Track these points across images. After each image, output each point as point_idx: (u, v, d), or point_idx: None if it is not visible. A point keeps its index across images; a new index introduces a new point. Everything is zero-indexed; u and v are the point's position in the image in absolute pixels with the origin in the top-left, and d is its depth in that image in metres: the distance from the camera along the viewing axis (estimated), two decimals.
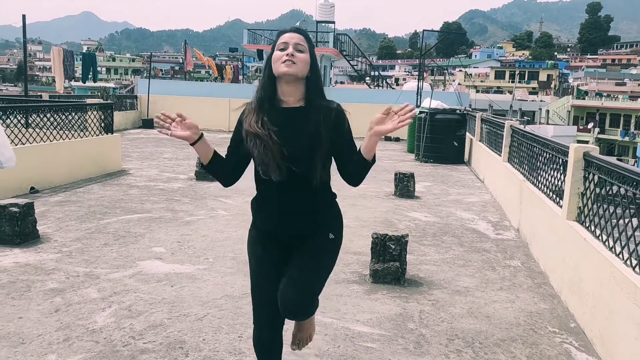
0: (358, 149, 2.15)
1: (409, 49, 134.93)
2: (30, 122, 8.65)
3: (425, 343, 3.37)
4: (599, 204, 3.80)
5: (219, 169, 2.26)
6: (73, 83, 28.15)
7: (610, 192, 3.62)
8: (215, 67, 29.10)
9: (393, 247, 4.31)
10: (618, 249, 3.38)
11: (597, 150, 4.14)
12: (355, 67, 27.39)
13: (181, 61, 38.76)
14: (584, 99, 53.30)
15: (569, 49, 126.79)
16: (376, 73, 32.54)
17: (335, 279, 4.34)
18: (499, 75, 74.07)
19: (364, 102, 16.83)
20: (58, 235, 5.37)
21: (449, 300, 4.10)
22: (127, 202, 7.00)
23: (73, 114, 8.51)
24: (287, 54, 2.14)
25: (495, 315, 3.87)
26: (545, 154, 5.50)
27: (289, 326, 2.47)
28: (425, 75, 22.97)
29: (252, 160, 2.26)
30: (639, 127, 47.04)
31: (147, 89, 18.66)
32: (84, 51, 28.89)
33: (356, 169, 2.18)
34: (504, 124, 8.16)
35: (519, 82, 65.22)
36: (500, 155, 8.35)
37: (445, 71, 56.34)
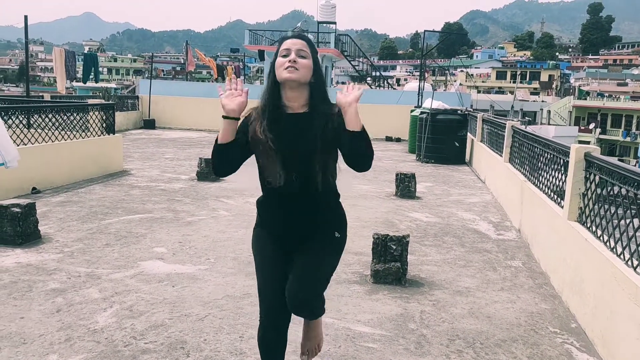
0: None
1: (410, 50, 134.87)
2: (32, 122, 8.67)
3: (426, 343, 3.38)
4: (600, 205, 3.80)
5: (227, 154, 2.23)
6: (74, 83, 28.15)
7: (611, 193, 3.62)
8: (216, 68, 29.09)
9: (394, 247, 4.31)
10: (619, 249, 3.38)
11: (599, 151, 4.14)
12: (356, 67, 27.38)
13: (182, 62, 38.77)
14: (585, 99, 53.25)
15: (570, 50, 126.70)
16: (377, 73, 32.54)
17: (337, 279, 4.34)
18: (500, 75, 74.05)
19: (366, 102, 16.74)
20: (60, 236, 5.38)
21: (450, 301, 4.10)
22: (129, 202, 7.01)
23: (75, 115, 8.52)
24: (290, 61, 2.17)
25: (496, 315, 3.87)
26: (546, 155, 5.50)
27: (293, 329, 2.48)
28: (426, 75, 22.97)
29: (256, 163, 2.31)
30: None
31: (148, 89, 18.67)
32: (85, 52, 28.92)
33: (351, 147, 2.18)
34: (505, 124, 8.15)
35: (521, 82, 65.18)
36: (501, 156, 8.35)
37: (447, 72, 56.32)
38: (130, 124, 17.93)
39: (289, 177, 2.20)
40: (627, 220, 3.30)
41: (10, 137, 6.28)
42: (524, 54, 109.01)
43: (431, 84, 21.44)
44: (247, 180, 8.71)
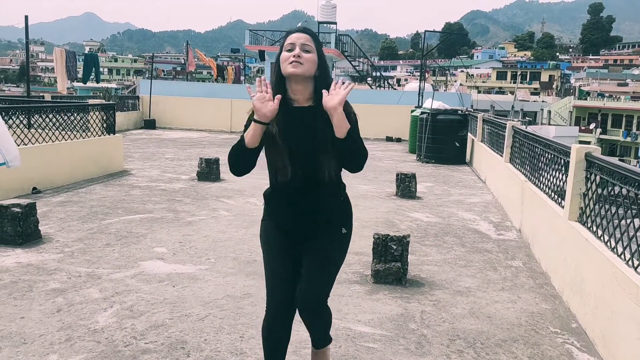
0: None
1: (411, 50, 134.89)
2: (32, 122, 8.67)
3: (427, 343, 3.37)
4: (600, 205, 3.80)
5: (251, 157, 2.26)
6: (75, 84, 28.16)
7: (612, 193, 3.62)
8: (216, 68, 29.08)
9: (394, 247, 4.31)
10: (620, 249, 3.38)
11: (599, 151, 4.14)
12: (357, 67, 27.37)
13: (183, 62, 38.77)
14: (585, 99, 53.22)
15: (570, 50, 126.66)
16: (378, 74, 32.54)
17: (337, 279, 4.32)
18: (501, 75, 74.05)
19: (366, 102, 16.82)
20: (60, 236, 5.38)
21: (450, 301, 4.10)
22: (129, 202, 7.01)
23: (75, 115, 8.52)
24: (294, 55, 2.20)
25: (496, 315, 3.87)
26: (547, 155, 5.50)
27: (293, 329, 2.48)
28: (427, 75, 22.96)
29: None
30: None
31: (149, 89, 18.67)
32: (86, 52, 28.93)
33: (340, 152, 2.23)
34: (506, 124, 8.15)
35: (521, 82, 65.12)
36: (501, 156, 8.34)
37: (447, 72, 56.32)
38: (131, 124, 17.94)
39: (296, 170, 2.24)
40: (628, 220, 3.30)
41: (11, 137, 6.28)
42: (525, 54, 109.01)
43: (432, 84, 21.39)
44: (247, 180, 8.71)
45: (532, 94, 62.28)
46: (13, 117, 7.87)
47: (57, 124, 8.06)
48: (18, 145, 6.80)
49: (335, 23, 25.18)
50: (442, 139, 12.24)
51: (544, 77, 70.62)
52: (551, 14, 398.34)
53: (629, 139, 46.81)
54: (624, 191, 3.39)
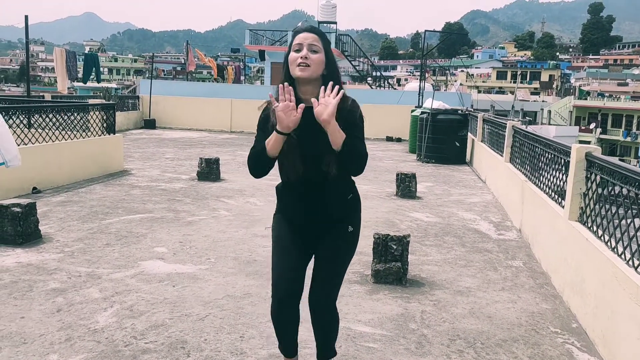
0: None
1: (411, 50, 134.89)
2: (32, 122, 8.67)
3: (427, 343, 3.37)
4: (601, 205, 3.79)
5: (269, 164, 2.32)
6: (75, 83, 28.16)
7: (612, 193, 3.61)
8: (216, 68, 29.09)
9: (395, 247, 4.31)
10: (620, 249, 3.38)
11: (599, 151, 4.13)
12: (357, 67, 27.38)
13: (183, 62, 38.75)
14: (586, 99, 53.22)
15: (570, 50, 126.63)
16: (378, 73, 32.54)
17: None
18: (501, 75, 74.03)
19: (366, 102, 16.74)
20: (60, 236, 5.38)
21: (450, 301, 4.09)
22: (129, 202, 7.01)
23: (75, 115, 8.52)
24: (301, 57, 2.22)
25: (497, 315, 3.87)
26: (547, 155, 5.49)
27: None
28: (427, 75, 22.95)
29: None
30: None
31: (149, 89, 18.67)
32: (86, 52, 28.93)
33: (339, 159, 2.25)
34: (506, 124, 8.15)
35: (521, 82, 65.11)
36: (502, 156, 8.34)
37: (447, 72, 56.29)
38: (131, 124, 17.94)
39: (305, 169, 2.29)
40: (628, 220, 3.30)
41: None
42: (525, 54, 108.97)
43: (432, 84, 21.37)
44: (247, 180, 8.66)
45: (532, 93, 62.27)
46: (13, 117, 7.86)
47: (57, 123, 8.05)
48: (18, 145, 6.81)
49: (335, 23, 25.20)
50: (442, 139, 12.24)
51: (544, 76, 70.59)
52: (551, 13, 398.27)
53: (629, 139, 46.80)
54: (624, 191, 3.39)
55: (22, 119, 8.55)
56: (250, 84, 38.58)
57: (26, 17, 11.66)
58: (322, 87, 2.19)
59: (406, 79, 69.87)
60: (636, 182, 3.22)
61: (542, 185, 5.59)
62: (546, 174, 5.43)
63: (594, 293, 3.55)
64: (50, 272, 4.35)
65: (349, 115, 2.26)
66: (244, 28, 28.99)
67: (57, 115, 8.08)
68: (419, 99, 17.40)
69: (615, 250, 3.43)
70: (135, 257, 4.80)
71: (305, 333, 2.95)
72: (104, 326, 3.42)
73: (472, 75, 69.38)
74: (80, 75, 18.53)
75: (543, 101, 53.50)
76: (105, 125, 9.07)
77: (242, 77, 34.71)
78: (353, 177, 2.46)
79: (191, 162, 10.58)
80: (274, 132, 2.20)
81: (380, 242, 4.34)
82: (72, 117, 8.43)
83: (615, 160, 3.84)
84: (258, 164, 2.32)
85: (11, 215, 4.96)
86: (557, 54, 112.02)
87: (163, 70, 74.34)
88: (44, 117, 7.88)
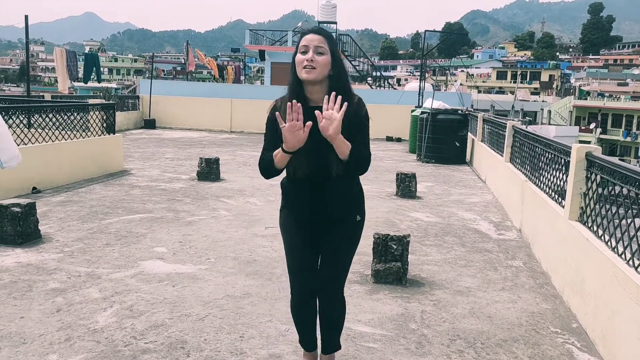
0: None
1: (411, 50, 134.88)
2: (32, 122, 8.66)
3: (427, 343, 3.37)
4: (601, 204, 3.79)
5: (278, 173, 2.42)
6: (75, 83, 28.17)
7: (612, 192, 3.61)
8: (216, 68, 29.09)
9: (395, 247, 4.31)
10: (620, 249, 3.37)
11: (600, 151, 4.13)
12: (357, 67, 27.36)
13: (183, 62, 38.77)
14: (586, 99, 53.21)
15: (570, 50, 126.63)
16: (378, 73, 32.52)
17: None
18: (501, 75, 74.04)
19: (366, 102, 16.69)
20: (60, 235, 5.37)
21: (450, 301, 4.09)
22: (129, 202, 7.01)
23: (75, 115, 8.52)
24: (307, 60, 2.27)
25: (497, 315, 3.86)
26: (547, 154, 5.49)
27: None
28: (427, 75, 22.94)
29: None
30: None
31: (149, 89, 18.66)
32: (86, 52, 28.93)
33: (345, 164, 2.33)
34: (506, 124, 8.15)
35: (521, 82, 65.12)
36: (502, 156, 8.34)
37: (447, 72, 56.30)
38: (131, 124, 17.93)
39: (311, 166, 2.34)
40: (629, 220, 3.29)
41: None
42: (525, 54, 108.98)
43: (432, 84, 21.36)
44: (247, 180, 8.66)
45: (532, 93, 62.28)
46: (13, 117, 7.86)
47: (57, 123, 8.05)
48: (18, 145, 6.81)
49: (335, 23, 25.17)
50: (442, 139, 12.23)
51: (544, 76, 70.60)
52: (551, 13, 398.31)
53: (629, 139, 46.80)
54: (625, 191, 3.38)
55: (22, 118, 8.55)
56: (250, 84, 38.58)
57: (26, 17, 11.66)
58: (325, 98, 2.21)
59: (406, 79, 69.88)
60: (636, 182, 3.22)
61: (542, 185, 5.58)
62: (546, 173, 5.43)
63: (594, 293, 3.55)
64: (50, 272, 4.35)
65: (355, 114, 2.33)
66: (244, 28, 28.98)
67: (57, 115, 8.08)
68: (419, 99, 17.40)
69: (615, 250, 3.43)
70: (135, 257, 4.80)
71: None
72: (103, 326, 3.41)
73: (472, 75, 69.39)
74: (80, 75, 18.55)
75: (543, 101, 53.51)
76: (105, 125, 9.07)
77: (242, 77, 34.71)
78: None
79: (191, 162, 10.57)
80: (281, 149, 2.26)
81: (380, 242, 4.34)
82: (72, 117, 8.42)
83: (615, 160, 3.83)
84: (267, 171, 2.42)
85: (11, 215, 4.96)
86: (557, 54, 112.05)
87: (163, 70, 74.33)
88: (43, 117, 7.88)
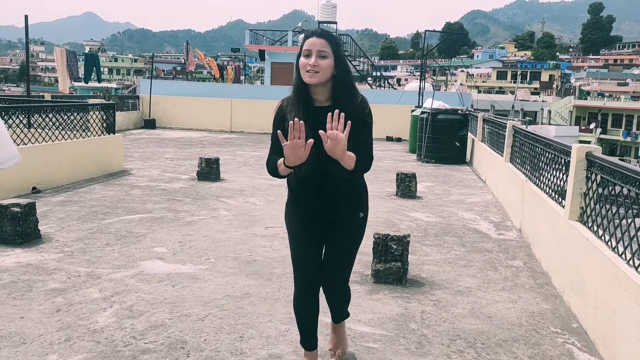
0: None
1: (411, 50, 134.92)
2: (32, 122, 8.66)
3: (427, 343, 3.37)
4: (601, 204, 3.79)
5: (284, 177, 2.48)
6: (75, 83, 28.16)
7: (612, 192, 3.61)
8: (217, 68, 29.08)
9: (395, 247, 4.30)
10: (621, 249, 3.37)
11: (600, 151, 4.13)
12: (357, 67, 27.35)
13: (183, 62, 38.76)
14: (586, 99, 53.21)
15: (571, 50, 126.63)
16: (378, 73, 32.52)
17: None
18: (501, 75, 74.06)
19: None
20: (60, 235, 5.37)
21: (450, 301, 4.09)
22: (129, 202, 7.00)
23: (75, 114, 8.52)
24: (310, 64, 2.32)
25: (497, 315, 3.86)
26: (547, 154, 5.49)
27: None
28: (427, 75, 22.94)
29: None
30: None
31: (149, 89, 18.66)
32: (86, 52, 28.93)
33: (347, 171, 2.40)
34: (506, 124, 8.14)
35: (521, 82, 65.11)
36: (502, 156, 8.34)
37: (447, 72, 56.29)
38: (131, 124, 17.93)
39: (315, 165, 2.36)
40: (629, 220, 3.29)
41: (10, 137, 6.25)
42: (525, 54, 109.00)
43: (432, 84, 21.36)
44: (247, 180, 8.66)
45: (532, 93, 62.30)
46: (13, 117, 7.86)
47: (57, 123, 8.05)
48: (18, 145, 6.80)
49: (335, 23, 25.17)
50: (442, 139, 12.23)
51: (544, 76, 70.62)
52: (551, 13, 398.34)
53: (629, 139, 46.80)
54: (625, 191, 3.38)
55: (22, 118, 8.54)
56: (250, 84, 38.58)
57: (26, 17, 11.66)
58: (329, 116, 2.22)
59: (406, 79, 69.90)
60: (636, 182, 3.22)
61: (542, 185, 5.58)
62: (546, 173, 5.43)
63: (595, 293, 3.55)
64: (50, 272, 4.35)
65: (359, 113, 2.38)
66: (244, 28, 28.97)
67: (57, 115, 8.08)
68: (419, 99, 17.40)
69: (615, 250, 3.42)
70: (135, 257, 4.80)
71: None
72: (103, 326, 3.41)
73: (472, 75, 69.40)
74: (81, 75, 18.55)
75: (543, 101, 53.51)
76: (105, 125, 9.07)
77: (242, 77, 34.71)
78: None
79: (191, 162, 10.57)
80: (283, 162, 2.32)
81: (380, 242, 4.34)
82: (72, 117, 8.42)
83: (615, 160, 3.83)
84: (274, 174, 2.47)
85: (11, 215, 4.96)
86: (557, 54, 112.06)
87: (163, 70, 74.29)
88: (43, 117, 7.88)
